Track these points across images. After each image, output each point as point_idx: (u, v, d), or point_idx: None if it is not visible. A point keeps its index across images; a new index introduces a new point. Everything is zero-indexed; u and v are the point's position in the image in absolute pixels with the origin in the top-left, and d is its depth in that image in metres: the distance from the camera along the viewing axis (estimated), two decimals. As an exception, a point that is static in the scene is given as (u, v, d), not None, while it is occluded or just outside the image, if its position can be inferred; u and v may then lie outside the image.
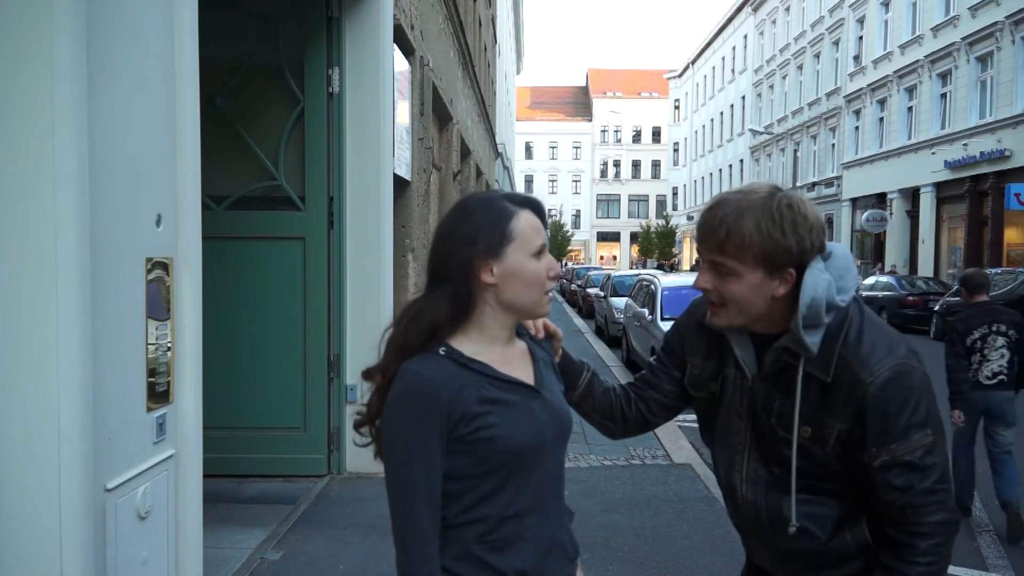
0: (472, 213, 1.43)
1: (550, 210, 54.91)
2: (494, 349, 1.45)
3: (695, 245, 1.58)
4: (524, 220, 1.42)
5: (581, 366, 1.77)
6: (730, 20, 43.79)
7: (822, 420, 1.47)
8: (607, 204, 68.39)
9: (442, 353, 1.39)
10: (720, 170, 45.67)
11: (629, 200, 67.95)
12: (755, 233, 1.42)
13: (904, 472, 1.43)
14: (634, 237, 58.35)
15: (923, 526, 1.43)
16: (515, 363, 1.47)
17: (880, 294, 17.99)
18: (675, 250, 48.22)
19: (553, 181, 67.80)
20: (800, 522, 1.52)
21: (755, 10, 39.52)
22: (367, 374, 1.46)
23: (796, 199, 1.45)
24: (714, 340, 1.65)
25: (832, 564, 1.55)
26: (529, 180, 65.78)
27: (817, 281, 1.44)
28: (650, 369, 1.80)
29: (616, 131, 68.12)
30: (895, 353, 1.45)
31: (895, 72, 25.89)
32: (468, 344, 1.43)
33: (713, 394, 1.66)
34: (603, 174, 67.99)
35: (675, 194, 57.12)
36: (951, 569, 1.60)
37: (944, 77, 23.53)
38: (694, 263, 39.13)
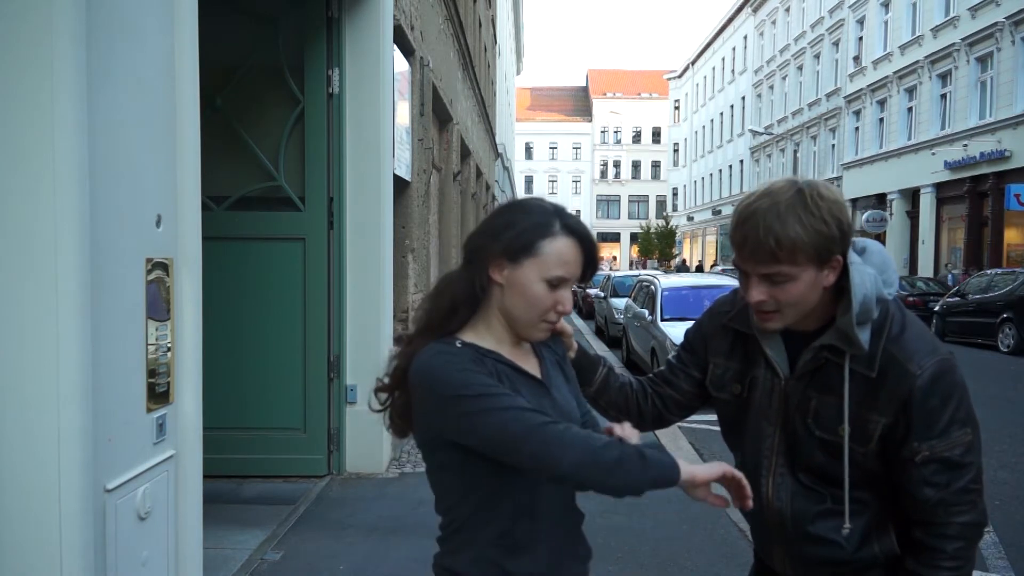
0: (516, 212, 1.43)
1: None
2: (502, 348, 1.45)
3: (730, 256, 1.54)
4: (559, 245, 1.38)
5: (597, 361, 1.75)
6: (730, 21, 43.81)
7: (865, 416, 1.46)
8: (607, 205, 68.37)
9: (459, 345, 1.40)
10: (720, 171, 45.67)
11: (629, 201, 67.94)
12: (803, 232, 1.39)
13: (943, 469, 1.43)
14: (634, 238, 58.34)
15: (951, 527, 1.43)
16: (522, 362, 1.47)
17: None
18: (675, 250, 48.20)
19: (553, 182, 67.74)
20: (828, 534, 1.51)
21: (755, 11, 39.54)
22: (398, 340, 1.48)
23: (821, 186, 1.44)
24: (738, 340, 1.63)
25: (857, 573, 1.53)
26: (529, 181, 65.75)
27: (864, 277, 1.44)
28: (668, 366, 1.78)
29: (616, 132, 68.11)
30: (939, 350, 1.46)
31: (895, 73, 25.91)
32: (476, 341, 1.43)
33: (737, 396, 1.63)
34: (603, 175, 67.99)
35: (675, 195, 57.15)
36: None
37: (944, 78, 23.55)
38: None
